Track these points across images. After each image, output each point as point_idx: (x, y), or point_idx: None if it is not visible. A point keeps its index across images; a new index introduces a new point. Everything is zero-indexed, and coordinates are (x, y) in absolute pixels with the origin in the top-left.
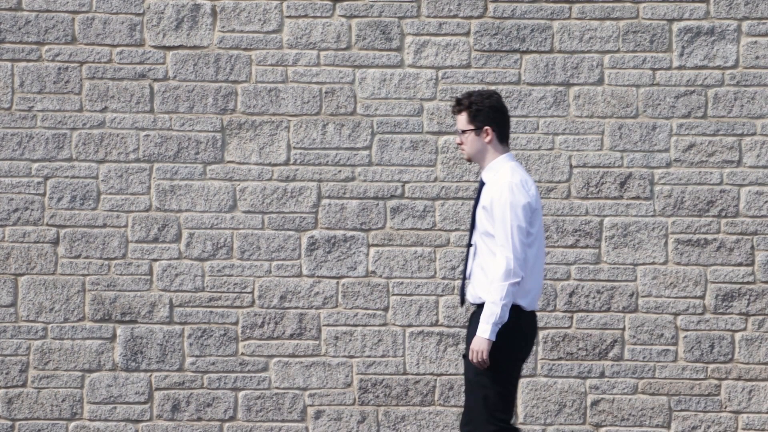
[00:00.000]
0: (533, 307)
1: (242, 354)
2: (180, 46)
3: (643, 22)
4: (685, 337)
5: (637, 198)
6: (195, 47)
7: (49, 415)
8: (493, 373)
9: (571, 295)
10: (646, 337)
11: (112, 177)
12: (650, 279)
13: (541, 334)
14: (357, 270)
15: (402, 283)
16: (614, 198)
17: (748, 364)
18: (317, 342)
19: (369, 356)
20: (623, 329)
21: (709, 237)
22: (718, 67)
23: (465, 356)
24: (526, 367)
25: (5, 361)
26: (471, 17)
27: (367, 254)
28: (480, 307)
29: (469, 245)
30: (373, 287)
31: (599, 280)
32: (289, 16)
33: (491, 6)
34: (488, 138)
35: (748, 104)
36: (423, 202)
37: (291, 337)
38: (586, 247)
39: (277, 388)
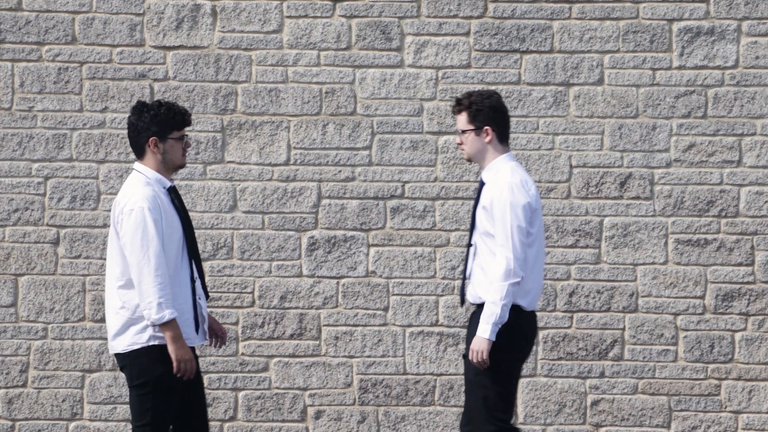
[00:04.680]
0: (533, 307)
1: (242, 354)
2: (180, 47)
3: (643, 22)
4: (685, 337)
5: (637, 198)
6: (195, 47)
7: (50, 415)
8: (493, 373)
9: (571, 295)
10: (646, 337)
11: (113, 177)
12: (650, 279)
13: (541, 334)
14: (357, 270)
15: (402, 283)
16: (614, 198)
17: (748, 364)
18: (317, 342)
19: (369, 356)
20: (623, 329)
21: (709, 237)
22: (718, 67)
23: (465, 356)
24: (526, 367)
25: (5, 361)
26: (471, 17)
27: (367, 254)
28: (480, 307)
29: (469, 245)
30: (373, 287)
31: (599, 280)
32: (289, 16)
33: (491, 6)
34: (488, 138)
35: (748, 104)
36: (423, 202)
37: (291, 337)
38: (586, 247)
39: (277, 388)
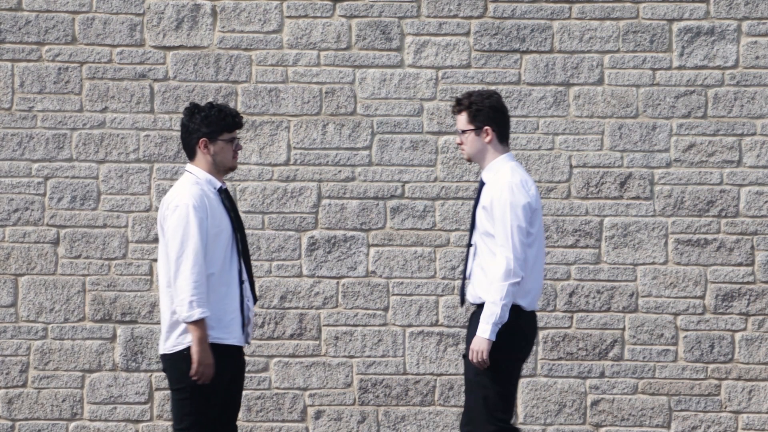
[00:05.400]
0: (533, 307)
1: None
2: (180, 46)
3: (643, 22)
4: (685, 337)
5: (637, 198)
6: (195, 47)
7: (49, 415)
8: (493, 373)
9: (571, 295)
10: (646, 337)
11: (113, 177)
12: (650, 279)
13: (541, 334)
14: (357, 270)
15: (402, 283)
16: (614, 198)
17: (748, 364)
18: (317, 342)
19: (369, 356)
20: (623, 329)
21: (709, 237)
22: (718, 67)
23: (465, 356)
24: (526, 367)
25: (5, 361)
26: (471, 17)
27: (367, 254)
28: (480, 307)
29: (469, 245)
30: (373, 287)
31: (599, 280)
32: (289, 16)
33: (491, 6)
34: (488, 138)
35: (748, 104)
36: (423, 202)
37: (291, 337)
38: (586, 247)
39: (277, 388)
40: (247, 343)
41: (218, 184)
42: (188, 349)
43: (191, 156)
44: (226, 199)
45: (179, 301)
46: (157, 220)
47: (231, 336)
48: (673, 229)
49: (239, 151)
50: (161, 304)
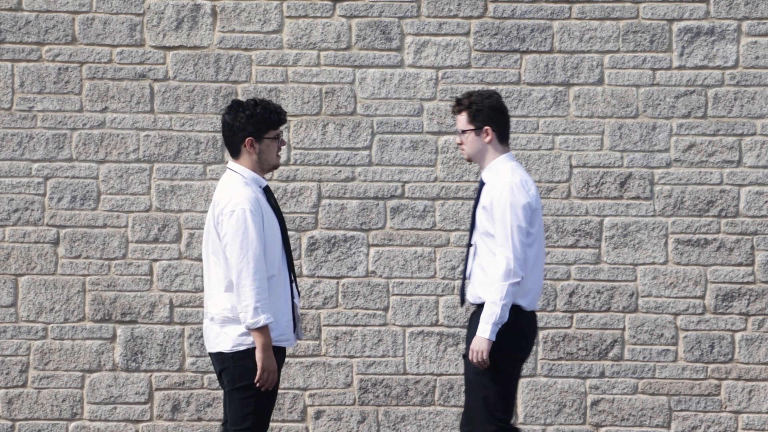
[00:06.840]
0: (533, 307)
1: None
2: (180, 47)
3: (643, 22)
4: (685, 337)
5: (637, 198)
6: (195, 47)
7: (49, 415)
8: (493, 373)
9: (571, 295)
10: (646, 337)
11: (112, 177)
12: (650, 279)
13: (541, 334)
14: (357, 270)
15: (402, 283)
16: (614, 198)
17: (748, 364)
18: (317, 342)
19: (369, 356)
20: (623, 329)
21: (709, 237)
22: (718, 67)
23: (465, 356)
24: (526, 367)
25: (5, 361)
26: (471, 17)
27: (367, 254)
28: (480, 307)
29: (469, 245)
30: (373, 287)
31: (599, 280)
32: (289, 16)
33: (491, 6)
34: (488, 138)
35: (748, 104)
36: (423, 202)
37: None
38: (586, 247)
39: None
40: (299, 339)
41: (263, 183)
42: (255, 348)
43: (235, 154)
44: (271, 197)
45: (242, 307)
46: (208, 221)
47: (284, 339)
48: (673, 229)
49: (283, 146)
50: (211, 302)
